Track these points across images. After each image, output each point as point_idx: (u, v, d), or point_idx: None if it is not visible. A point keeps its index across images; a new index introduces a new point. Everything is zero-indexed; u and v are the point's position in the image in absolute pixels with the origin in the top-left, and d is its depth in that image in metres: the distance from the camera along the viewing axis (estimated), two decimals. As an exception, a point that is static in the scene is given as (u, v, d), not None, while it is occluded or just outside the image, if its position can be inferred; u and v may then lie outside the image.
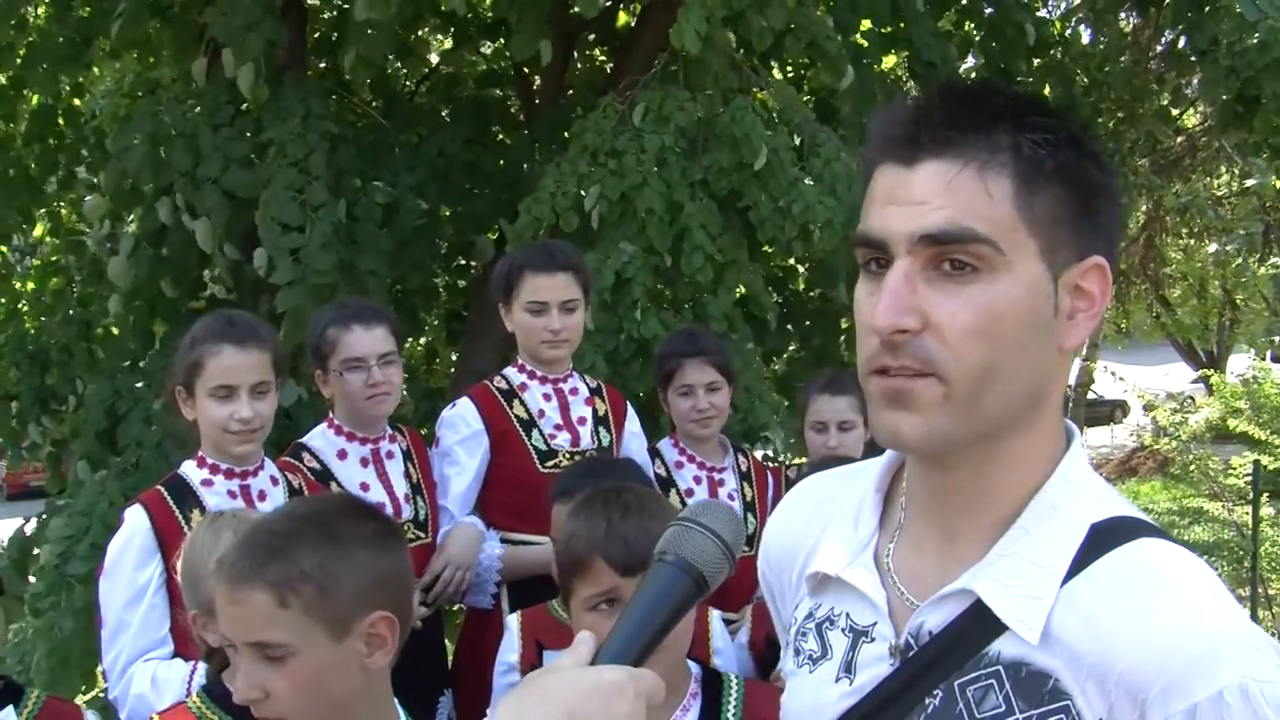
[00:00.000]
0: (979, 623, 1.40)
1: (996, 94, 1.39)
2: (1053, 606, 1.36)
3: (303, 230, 5.76)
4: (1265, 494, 10.83)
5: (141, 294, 6.63)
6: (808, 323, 7.88)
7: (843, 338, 7.79)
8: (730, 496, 4.37)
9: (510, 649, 3.27)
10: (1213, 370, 15.30)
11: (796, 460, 5.54)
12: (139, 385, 6.71)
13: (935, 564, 1.48)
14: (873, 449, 3.29)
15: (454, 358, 8.82)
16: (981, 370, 1.35)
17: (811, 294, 8.27)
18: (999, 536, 1.42)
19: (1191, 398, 18.52)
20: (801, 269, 8.26)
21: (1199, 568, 1.38)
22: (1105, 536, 1.39)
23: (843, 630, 1.54)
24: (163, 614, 3.29)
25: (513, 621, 3.34)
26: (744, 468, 4.48)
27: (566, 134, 7.49)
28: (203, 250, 6.39)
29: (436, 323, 9.12)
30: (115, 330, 7.16)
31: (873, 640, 1.50)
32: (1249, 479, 10.60)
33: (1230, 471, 11.24)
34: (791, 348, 8.08)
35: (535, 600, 3.57)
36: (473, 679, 3.87)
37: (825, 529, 1.61)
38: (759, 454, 5.37)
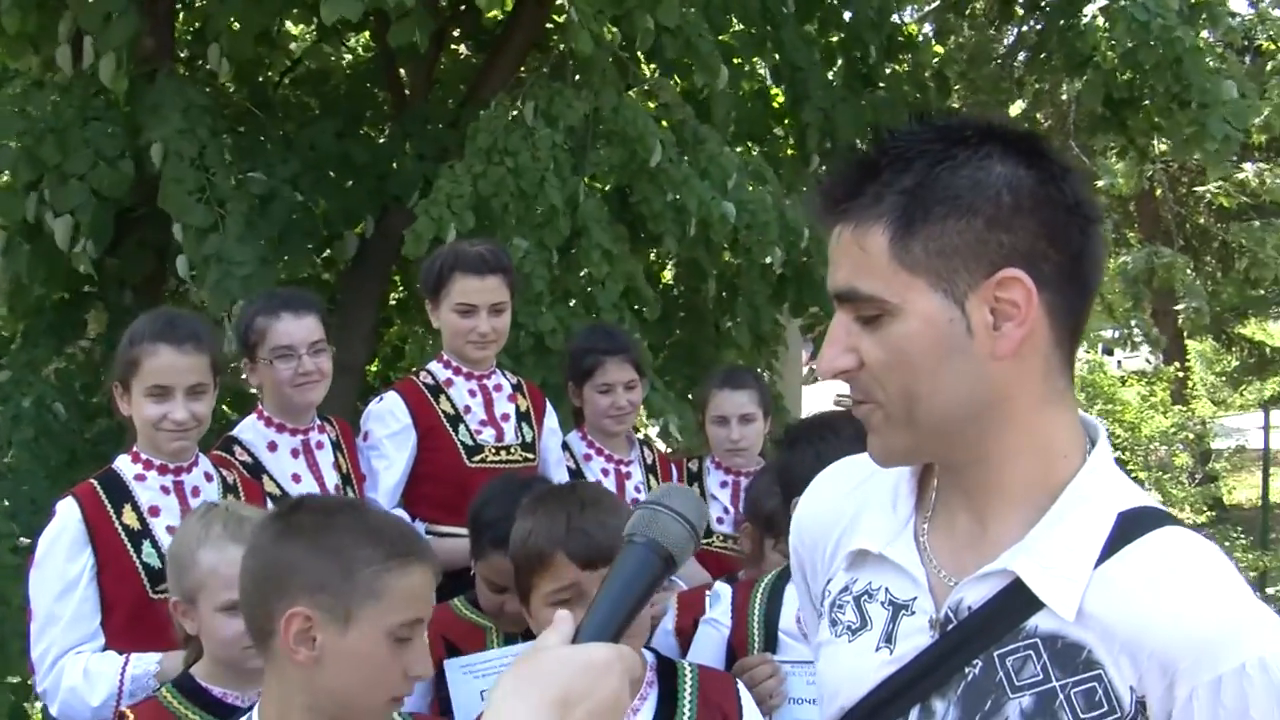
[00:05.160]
0: (1017, 600, 1.55)
1: (888, 149, 1.56)
2: (1087, 587, 1.52)
3: (217, 228, 5.72)
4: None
5: (21, 292, 6.46)
6: (682, 315, 8.01)
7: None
8: (637, 489, 4.46)
9: None
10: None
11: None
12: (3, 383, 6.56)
13: (968, 545, 1.62)
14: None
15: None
16: (902, 395, 1.55)
17: (675, 291, 8.41)
18: (1031, 521, 1.57)
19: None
20: (669, 266, 8.41)
21: (1217, 554, 1.55)
22: (1133, 524, 1.55)
23: (882, 604, 1.67)
24: (94, 606, 3.28)
25: None
26: (649, 460, 4.60)
27: (440, 127, 7.53)
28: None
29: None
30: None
31: (913, 613, 1.63)
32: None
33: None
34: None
35: (462, 589, 3.64)
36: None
37: (862, 509, 1.74)
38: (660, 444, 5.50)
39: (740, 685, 2.78)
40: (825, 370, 1.60)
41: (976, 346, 1.53)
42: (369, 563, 2.11)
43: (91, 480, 3.44)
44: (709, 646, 3.30)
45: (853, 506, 1.77)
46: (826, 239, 1.62)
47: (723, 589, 3.42)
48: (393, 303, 8.95)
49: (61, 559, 3.28)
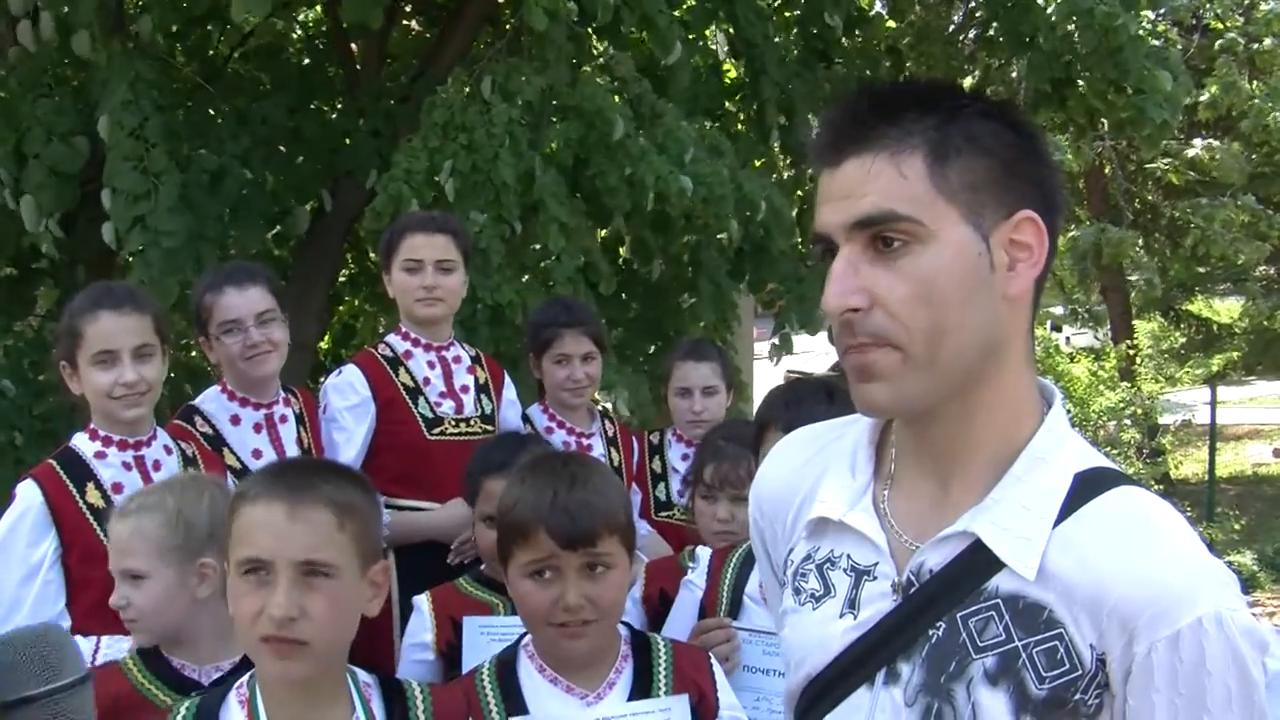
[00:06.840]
0: (978, 561, 1.56)
1: (905, 88, 1.59)
2: (1046, 546, 1.54)
3: (148, 197, 5.63)
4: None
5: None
6: (640, 290, 7.98)
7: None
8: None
9: (423, 629, 3.23)
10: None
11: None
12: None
13: (930, 509, 1.63)
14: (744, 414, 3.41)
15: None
16: (929, 332, 1.50)
17: (634, 266, 8.38)
18: (991, 483, 1.59)
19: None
20: (625, 241, 8.38)
21: (1172, 512, 1.57)
22: (1090, 484, 1.57)
23: (844, 570, 1.68)
24: (58, 590, 3.23)
25: (422, 602, 3.31)
26: (610, 433, 4.60)
27: (393, 102, 7.48)
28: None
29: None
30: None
31: (875, 579, 1.64)
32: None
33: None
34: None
35: (422, 565, 3.60)
36: (357, 641, 3.87)
37: (821, 477, 1.75)
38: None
39: (714, 660, 2.79)
40: (835, 306, 1.52)
41: (995, 284, 1.53)
42: None
43: (50, 460, 3.37)
44: (684, 608, 3.33)
45: (811, 475, 1.77)
46: (820, 183, 1.58)
47: (703, 552, 3.44)
48: (344, 279, 8.90)
49: (23, 543, 3.22)
